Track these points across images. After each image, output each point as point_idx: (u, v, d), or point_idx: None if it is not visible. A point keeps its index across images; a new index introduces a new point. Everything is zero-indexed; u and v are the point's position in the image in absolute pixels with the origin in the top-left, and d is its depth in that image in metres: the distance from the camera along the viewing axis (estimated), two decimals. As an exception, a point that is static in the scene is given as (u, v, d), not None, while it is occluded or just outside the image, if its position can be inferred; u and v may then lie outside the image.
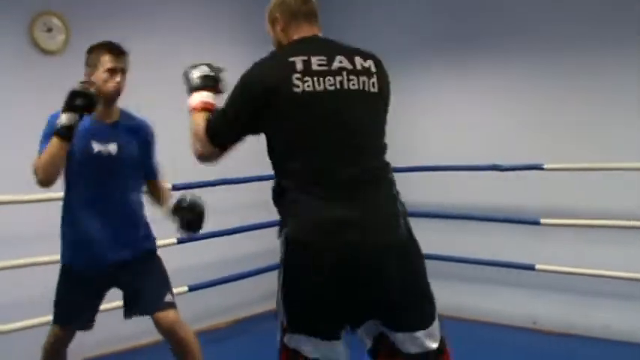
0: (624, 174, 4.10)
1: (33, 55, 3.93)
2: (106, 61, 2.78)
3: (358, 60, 2.14)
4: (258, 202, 5.08)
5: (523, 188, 4.59)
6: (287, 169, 2.09)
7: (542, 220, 4.35)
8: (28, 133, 3.90)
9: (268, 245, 5.12)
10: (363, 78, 2.11)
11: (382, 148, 2.20)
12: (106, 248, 2.83)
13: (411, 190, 5.16)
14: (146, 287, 2.88)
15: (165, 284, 2.92)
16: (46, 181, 2.70)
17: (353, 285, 2.01)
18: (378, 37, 5.25)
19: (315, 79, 2.05)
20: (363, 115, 2.12)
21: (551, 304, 4.52)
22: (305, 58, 2.07)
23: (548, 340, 4.36)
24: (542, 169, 4.32)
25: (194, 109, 2.26)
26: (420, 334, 2.08)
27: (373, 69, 2.16)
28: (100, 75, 2.78)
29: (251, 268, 4.82)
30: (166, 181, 3.08)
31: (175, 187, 3.88)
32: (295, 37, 2.21)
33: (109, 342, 4.22)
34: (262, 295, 5.17)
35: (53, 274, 3.79)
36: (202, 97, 2.29)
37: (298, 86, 2.03)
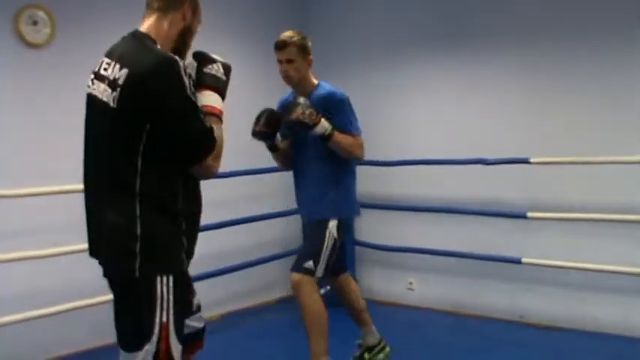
0: (610, 168, 4.13)
1: (18, 49, 3.89)
2: (276, 54, 3.28)
3: (116, 68, 1.94)
4: (248, 196, 5.09)
5: (510, 182, 4.61)
6: None
7: (529, 214, 4.37)
8: (15, 126, 3.90)
9: (255, 239, 5.16)
10: (107, 90, 1.94)
11: (115, 172, 1.95)
12: (302, 209, 3.45)
13: (398, 183, 5.22)
14: (300, 250, 3.43)
15: (313, 252, 3.25)
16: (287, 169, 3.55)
17: None
18: (367, 35, 5.27)
19: (95, 83, 2.01)
20: (101, 130, 1.98)
21: (537, 298, 4.54)
22: (102, 59, 2.03)
23: (535, 334, 4.38)
24: (528, 162, 4.34)
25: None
26: None
27: (121, 81, 1.90)
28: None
29: (238, 262, 4.81)
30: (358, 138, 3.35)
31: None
32: None
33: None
34: (250, 289, 5.18)
35: (38, 269, 3.79)
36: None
37: (89, 87, 2.05)
